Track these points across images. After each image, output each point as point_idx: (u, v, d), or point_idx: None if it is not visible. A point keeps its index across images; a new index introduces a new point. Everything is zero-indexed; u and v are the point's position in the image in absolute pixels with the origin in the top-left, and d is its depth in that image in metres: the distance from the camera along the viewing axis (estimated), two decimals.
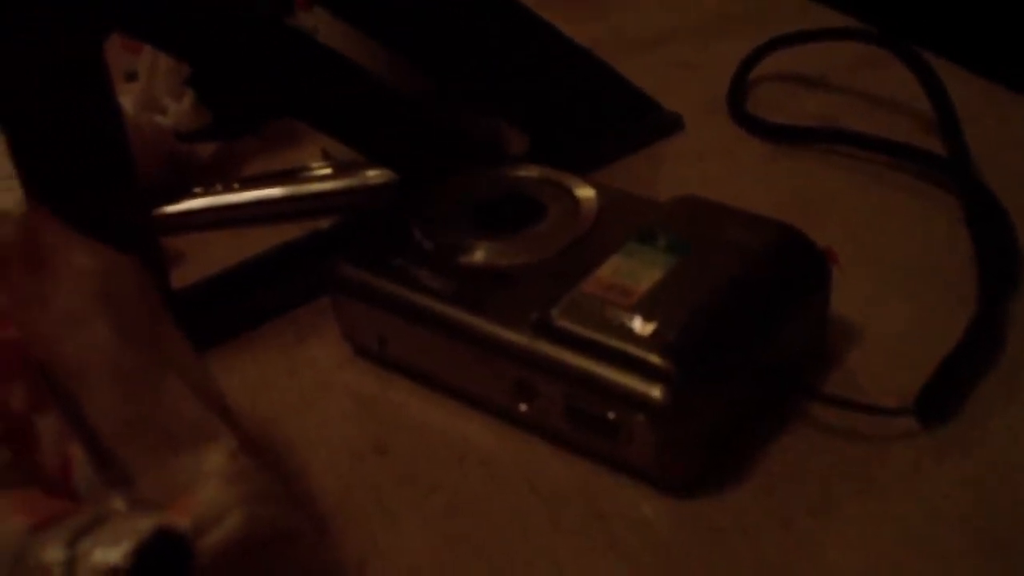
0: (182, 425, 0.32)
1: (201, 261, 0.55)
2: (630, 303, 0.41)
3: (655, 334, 0.40)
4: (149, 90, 0.64)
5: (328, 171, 0.60)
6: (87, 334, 0.32)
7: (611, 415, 0.40)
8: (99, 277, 0.34)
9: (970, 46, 0.64)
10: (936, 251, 0.51)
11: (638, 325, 0.40)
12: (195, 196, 0.59)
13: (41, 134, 0.44)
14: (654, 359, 0.39)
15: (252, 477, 0.30)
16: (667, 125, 0.63)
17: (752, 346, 0.42)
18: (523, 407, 0.43)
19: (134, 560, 0.26)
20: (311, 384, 0.47)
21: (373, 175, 0.58)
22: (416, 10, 0.54)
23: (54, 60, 0.43)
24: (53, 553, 0.27)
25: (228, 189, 0.59)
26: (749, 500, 0.40)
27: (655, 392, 0.39)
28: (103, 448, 0.30)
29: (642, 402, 0.39)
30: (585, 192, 0.49)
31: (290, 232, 0.55)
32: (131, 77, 0.65)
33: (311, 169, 0.60)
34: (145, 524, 0.27)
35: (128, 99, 0.63)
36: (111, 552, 0.27)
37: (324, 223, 0.56)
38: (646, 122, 0.63)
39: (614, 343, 0.40)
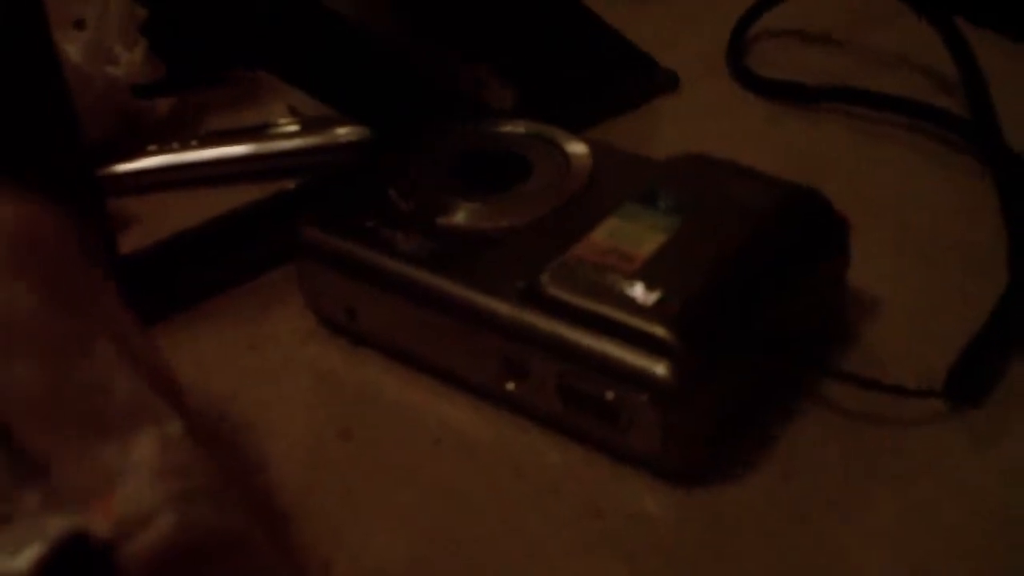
0: (114, 405, 0.28)
1: (156, 224, 0.52)
2: (631, 270, 0.39)
3: (659, 304, 0.37)
4: (99, 38, 0.60)
5: (295, 127, 0.58)
6: (0, 292, 0.28)
7: (609, 395, 0.37)
8: (20, 228, 0.30)
9: (993, 3, 0.61)
10: (959, 219, 0.49)
11: (640, 294, 0.38)
12: (150, 154, 0.57)
13: None
14: (659, 332, 0.37)
15: (189, 471, 0.26)
16: (662, 82, 0.61)
17: (766, 318, 0.39)
18: (510, 386, 0.40)
19: (41, 570, 0.23)
20: (274, 360, 0.45)
21: (344, 132, 0.56)
22: None
23: None
24: None
25: (186, 147, 0.57)
26: (761, 491, 0.38)
27: (659, 369, 0.36)
28: (13, 431, 0.26)
29: (645, 380, 0.36)
30: (577, 148, 0.46)
31: (253, 193, 0.53)
32: (80, 26, 0.61)
33: (277, 125, 0.58)
34: (57, 526, 0.24)
35: (76, 47, 0.59)
36: (14, 560, 0.23)
37: (290, 183, 0.54)
38: (639, 79, 0.61)
39: (613, 314, 0.37)
